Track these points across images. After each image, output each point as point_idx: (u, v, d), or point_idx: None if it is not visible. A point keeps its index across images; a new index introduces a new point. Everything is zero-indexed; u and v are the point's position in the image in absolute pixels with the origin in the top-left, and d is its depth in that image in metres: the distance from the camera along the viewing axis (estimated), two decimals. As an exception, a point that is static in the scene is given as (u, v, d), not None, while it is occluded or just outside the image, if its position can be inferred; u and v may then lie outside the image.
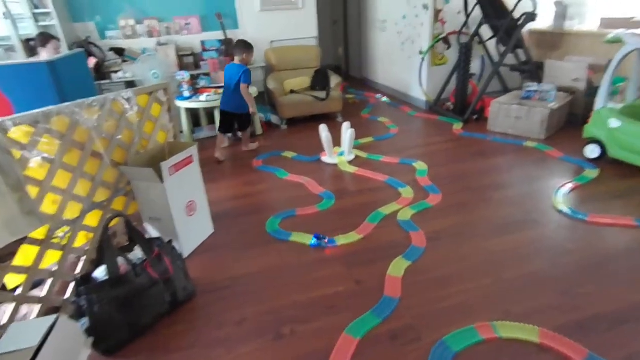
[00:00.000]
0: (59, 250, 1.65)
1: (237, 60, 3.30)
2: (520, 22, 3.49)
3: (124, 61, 4.31)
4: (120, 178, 1.97)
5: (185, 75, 3.88)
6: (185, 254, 2.03)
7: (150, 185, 1.90)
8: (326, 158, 3.22)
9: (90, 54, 4.07)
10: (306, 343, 1.50)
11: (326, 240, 2.10)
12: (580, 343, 1.39)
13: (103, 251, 1.47)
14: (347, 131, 3.17)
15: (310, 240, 2.12)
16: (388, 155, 3.21)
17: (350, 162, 3.14)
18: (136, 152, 2.04)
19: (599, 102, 2.73)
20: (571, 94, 3.43)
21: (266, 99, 4.79)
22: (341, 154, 3.21)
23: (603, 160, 2.75)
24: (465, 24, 3.96)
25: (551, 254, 1.91)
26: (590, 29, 3.61)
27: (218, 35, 4.54)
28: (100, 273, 1.47)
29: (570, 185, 2.48)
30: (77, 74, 2.82)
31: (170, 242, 1.71)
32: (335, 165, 3.12)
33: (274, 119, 4.31)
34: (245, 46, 3.28)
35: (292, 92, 4.31)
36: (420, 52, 4.28)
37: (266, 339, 1.53)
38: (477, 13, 3.81)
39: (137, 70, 4.07)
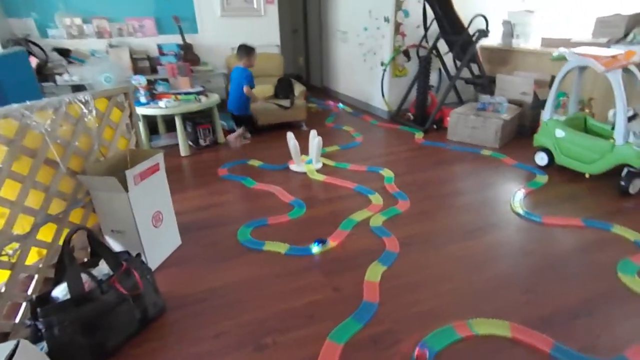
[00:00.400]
0: (7, 270, 1.47)
1: (240, 64, 3.58)
2: (474, 38, 3.73)
3: (70, 62, 4.01)
4: (78, 188, 1.81)
5: (141, 80, 3.69)
6: (152, 268, 1.89)
7: (112, 195, 1.76)
8: (294, 166, 3.19)
9: (29, 54, 3.73)
10: (289, 352, 1.45)
11: (329, 240, 2.14)
12: (547, 335, 1.48)
13: (63, 268, 1.33)
14: (314, 139, 3.17)
15: (286, 248, 2.08)
16: (355, 163, 3.26)
17: (319, 170, 3.14)
18: (95, 159, 1.89)
19: (546, 113, 2.97)
20: (520, 106, 3.71)
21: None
22: (309, 162, 3.21)
23: (551, 167, 2.98)
24: (424, 37, 4.17)
25: (513, 255, 2.03)
26: (534, 47, 3.95)
27: (176, 39, 4.38)
28: (61, 292, 1.33)
29: (524, 191, 2.66)
30: (18, 74, 2.58)
31: (138, 255, 1.59)
32: (304, 173, 3.10)
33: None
34: (245, 51, 3.57)
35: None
36: (382, 64, 4.42)
37: (247, 351, 1.46)
38: (435, 27, 4.02)
39: (87, 73, 3.79)
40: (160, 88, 3.97)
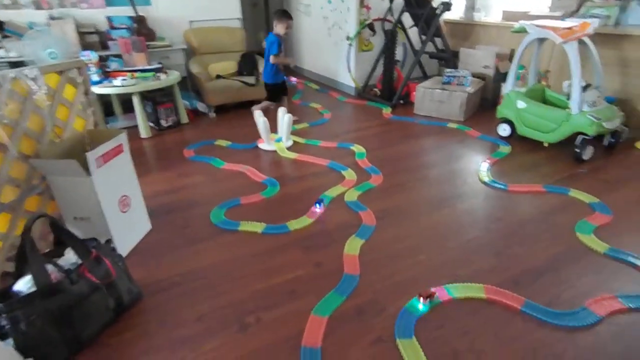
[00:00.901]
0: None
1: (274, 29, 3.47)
2: (438, 11, 3.74)
3: (5, 37, 3.62)
4: (33, 173, 1.66)
5: (92, 56, 3.41)
6: (123, 255, 1.80)
7: (73, 180, 1.63)
8: (264, 145, 3.12)
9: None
10: (274, 329, 1.45)
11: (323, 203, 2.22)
12: (517, 293, 1.57)
13: (25, 259, 1.22)
14: (284, 116, 3.10)
15: (263, 227, 2.05)
16: (325, 140, 3.23)
17: (289, 148, 3.09)
18: (50, 142, 1.74)
19: (508, 85, 3.08)
20: (482, 79, 3.81)
21: (189, 84, 4.46)
22: (278, 140, 3.14)
23: (513, 137, 3.12)
24: (389, 10, 4.13)
25: (482, 222, 2.12)
26: (495, 20, 4.04)
27: (128, 11, 4.06)
28: (24, 285, 1.22)
29: (490, 161, 2.77)
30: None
31: (108, 241, 1.50)
32: (274, 151, 3.04)
33: (201, 106, 4.04)
34: (277, 15, 3.42)
35: (218, 77, 4.07)
36: (348, 38, 4.35)
37: (231, 331, 1.44)
38: (400, 0, 3.99)
39: (27, 48, 3.44)
40: (113, 65, 3.70)
